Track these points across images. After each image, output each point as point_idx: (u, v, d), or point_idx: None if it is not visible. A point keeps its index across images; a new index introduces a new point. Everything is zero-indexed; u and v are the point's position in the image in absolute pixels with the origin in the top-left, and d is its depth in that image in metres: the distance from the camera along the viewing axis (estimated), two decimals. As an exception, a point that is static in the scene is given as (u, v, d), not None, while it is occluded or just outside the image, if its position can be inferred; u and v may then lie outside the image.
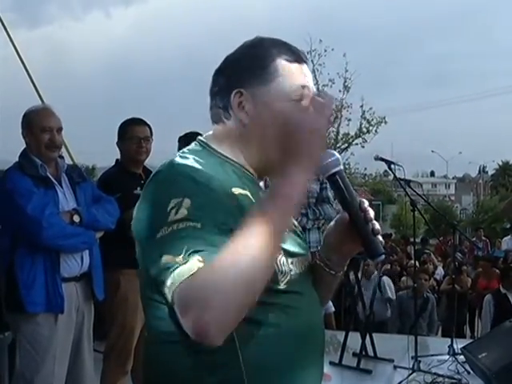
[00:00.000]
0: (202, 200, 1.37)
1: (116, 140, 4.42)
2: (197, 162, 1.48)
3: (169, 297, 1.31)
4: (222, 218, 1.38)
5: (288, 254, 1.56)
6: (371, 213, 1.57)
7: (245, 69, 1.56)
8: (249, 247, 1.29)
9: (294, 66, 1.58)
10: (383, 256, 1.55)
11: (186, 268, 1.28)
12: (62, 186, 3.64)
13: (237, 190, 1.48)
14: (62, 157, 3.88)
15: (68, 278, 3.54)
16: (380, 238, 1.55)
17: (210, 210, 1.37)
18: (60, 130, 3.67)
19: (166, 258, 1.32)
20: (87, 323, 3.76)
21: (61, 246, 3.47)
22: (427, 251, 13.75)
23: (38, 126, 3.58)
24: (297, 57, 1.60)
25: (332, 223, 1.70)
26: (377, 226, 1.55)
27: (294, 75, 1.57)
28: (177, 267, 1.29)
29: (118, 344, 4.18)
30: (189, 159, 1.49)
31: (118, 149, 4.43)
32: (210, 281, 1.25)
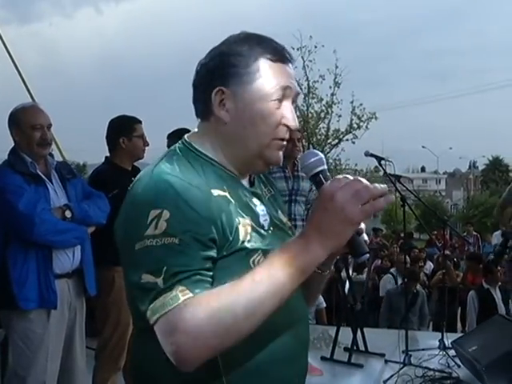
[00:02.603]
0: (181, 212, 1.39)
1: (109, 136, 4.40)
2: (179, 167, 1.49)
3: (149, 318, 1.35)
4: (201, 230, 1.40)
5: (268, 253, 1.54)
6: None
7: (227, 66, 1.55)
8: (246, 300, 1.32)
9: (277, 65, 1.57)
10: (367, 255, 1.51)
11: (168, 298, 1.33)
12: (52, 183, 3.64)
13: (216, 192, 1.49)
14: (51, 154, 3.88)
15: (60, 274, 3.54)
16: (365, 236, 1.52)
17: (188, 223, 1.39)
18: (50, 126, 3.67)
19: (145, 277, 1.36)
20: (79, 319, 3.76)
21: (53, 242, 3.47)
22: (415, 247, 13.79)
23: (28, 123, 3.58)
24: (281, 56, 1.58)
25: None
26: (361, 225, 1.50)
27: (276, 75, 1.55)
28: (158, 292, 1.34)
29: (111, 341, 4.18)
30: (173, 165, 1.50)
31: (115, 145, 4.36)
32: (198, 318, 1.30)
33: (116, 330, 4.17)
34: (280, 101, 1.56)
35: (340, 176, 1.41)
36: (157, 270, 1.35)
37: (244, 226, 1.52)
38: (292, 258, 1.35)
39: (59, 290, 3.51)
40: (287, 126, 1.59)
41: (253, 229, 1.54)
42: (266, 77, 1.55)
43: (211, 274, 1.41)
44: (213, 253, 1.42)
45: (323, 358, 5.85)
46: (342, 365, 5.84)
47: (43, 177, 3.59)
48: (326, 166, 1.57)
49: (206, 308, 1.30)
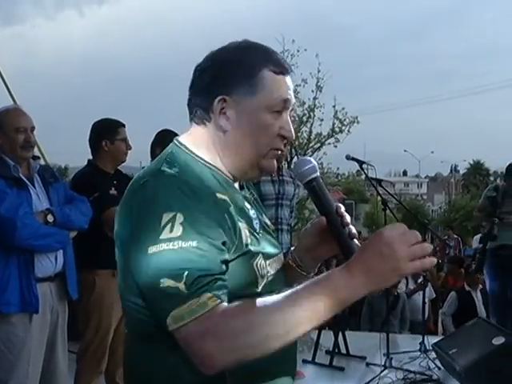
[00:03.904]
0: (194, 215, 1.39)
1: (92, 139, 4.38)
2: (182, 170, 1.49)
3: (171, 323, 1.35)
4: (214, 233, 1.41)
5: (266, 256, 1.59)
6: (348, 217, 1.61)
7: (230, 75, 1.55)
8: (285, 320, 1.34)
9: (279, 77, 1.58)
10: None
11: (196, 305, 1.33)
12: (34, 187, 3.63)
13: (219, 195, 1.51)
14: (38, 157, 3.88)
15: (42, 278, 3.54)
16: (356, 241, 1.59)
17: (202, 226, 1.39)
18: (33, 129, 3.66)
19: (166, 282, 1.34)
20: (61, 323, 3.75)
21: (35, 246, 3.46)
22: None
23: (12, 126, 3.56)
24: (282, 68, 1.59)
25: (308, 225, 1.74)
26: (353, 230, 1.59)
27: (278, 87, 1.57)
28: (183, 298, 1.33)
29: (92, 344, 4.17)
30: (176, 168, 1.49)
31: (98, 148, 4.33)
32: (236, 328, 1.32)
33: (97, 333, 4.16)
34: (279, 112, 1.58)
35: (399, 224, 1.43)
36: (177, 274, 1.34)
37: (243, 229, 1.54)
38: (334, 290, 1.36)
39: (41, 294, 3.50)
40: (284, 137, 1.60)
41: (250, 232, 1.56)
42: (269, 88, 1.56)
43: (227, 277, 1.42)
44: (226, 256, 1.43)
45: (305, 361, 5.87)
46: (323, 368, 5.87)
47: (25, 181, 3.57)
48: (318, 173, 1.63)
49: (243, 320, 1.33)
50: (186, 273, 1.34)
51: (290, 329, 1.35)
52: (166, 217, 1.37)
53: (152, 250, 1.36)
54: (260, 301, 1.37)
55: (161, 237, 1.36)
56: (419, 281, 9.02)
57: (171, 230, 1.36)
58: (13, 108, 3.86)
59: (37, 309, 3.47)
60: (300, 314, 1.35)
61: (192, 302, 1.33)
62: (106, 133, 4.33)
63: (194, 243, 1.36)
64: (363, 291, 1.38)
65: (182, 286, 1.33)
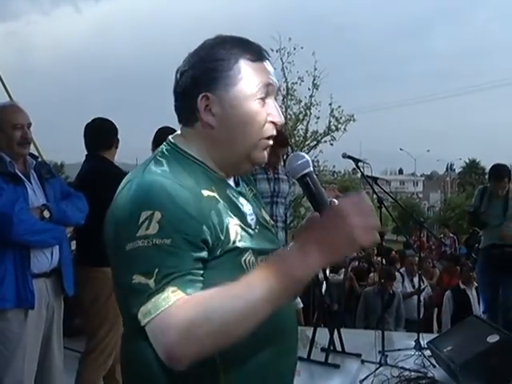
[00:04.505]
0: (172, 214, 1.40)
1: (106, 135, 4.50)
2: (169, 168, 1.51)
3: (140, 319, 1.37)
4: (192, 231, 1.42)
5: (258, 252, 1.59)
6: None
7: (209, 71, 1.56)
8: (241, 304, 1.34)
9: (257, 64, 1.59)
10: (354, 253, 1.58)
11: (160, 299, 1.34)
12: (30, 182, 3.63)
13: (206, 192, 1.52)
14: (37, 157, 3.89)
15: (38, 273, 3.54)
16: None
17: (180, 224, 1.40)
18: (30, 125, 3.67)
19: (137, 277, 1.37)
20: (57, 319, 3.76)
21: (31, 242, 3.46)
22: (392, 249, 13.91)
23: (9, 123, 3.57)
24: (258, 55, 1.60)
25: (303, 222, 1.73)
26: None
27: (257, 74, 1.57)
28: (150, 294, 1.35)
29: (103, 342, 4.21)
30: (163, 166, 1.52)
31: (111, 145, 4.49)
32: (191, 318, 1.32)
33: (110, 332, 4.19)
34: (263, 99, 1.58)
35: (354, 194, 1.43)
36: (148, 271, 1.36)
37: (233, 225, 1.54)
38: (289, 269, 1.36)
39: (37, 290, 3.50)
40: (274, 123, 1.61)
41: (242, 228, 1.57)
42: (248, 77, 1.56)
43: (201, 273, 1.43)
44: (204, 254, 1.44)
45: (300, 359, 5.84)
46: (318, 365, 5.87)
47: (22, 176, 3.58)
48: (312, 168, 1.62)
49: (199, 308, 1.32)
50: (156, 270, 1.36)
51: (248, 313, 1.35)
52: (144, 215, 1.39)
53: (129, 246, 1.39)
54: (216, 289, 1.37)
55: (137, 234, 1.38)
56: (415, 279, 9.04)
57: (148, 228, 1.38)
58: (9, 104, 3.86)
59: (32, 305, 3.47)
60: (257, 296, 1.34)
61: (157, 297, 1.35)
62: (117, 131, 4.53)
63: (169, 241, 1.38)
64: (318, 266, 1.40)
65: (151, 282, 1.36)
